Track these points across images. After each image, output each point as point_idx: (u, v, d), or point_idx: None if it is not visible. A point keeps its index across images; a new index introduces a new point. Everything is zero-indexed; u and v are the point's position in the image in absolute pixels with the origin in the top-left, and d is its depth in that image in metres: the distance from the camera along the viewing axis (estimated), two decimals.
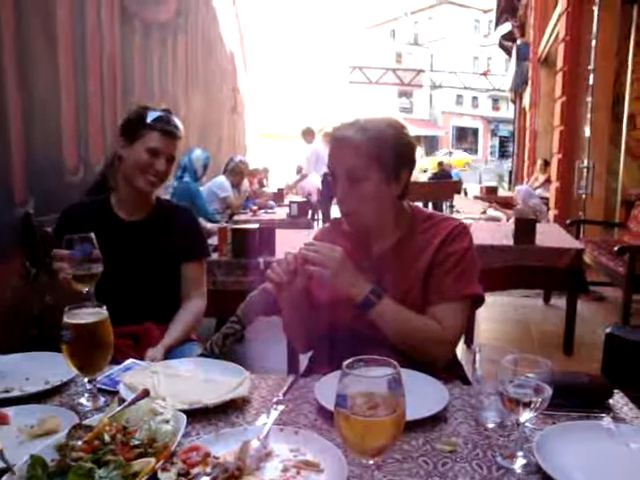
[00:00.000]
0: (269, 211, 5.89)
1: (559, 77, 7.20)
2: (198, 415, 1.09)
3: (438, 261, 1.46)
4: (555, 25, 7.99)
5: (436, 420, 1.08)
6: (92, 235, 1.43)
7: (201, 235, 2.04)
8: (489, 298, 1.61)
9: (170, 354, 1.69)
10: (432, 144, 43.36)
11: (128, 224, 1.86)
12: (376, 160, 1.39)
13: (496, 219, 6.68)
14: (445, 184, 11.23)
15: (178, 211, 2.00)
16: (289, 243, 2.22)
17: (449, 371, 1.49)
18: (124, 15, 4.15)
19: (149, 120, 1.80)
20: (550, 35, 8.76)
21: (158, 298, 1.86)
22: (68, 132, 3.20)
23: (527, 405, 0.92)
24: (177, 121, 1.87)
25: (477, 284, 1.48)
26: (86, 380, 1.19)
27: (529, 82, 12.16)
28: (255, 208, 5.74)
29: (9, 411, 1.10)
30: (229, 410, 1.13)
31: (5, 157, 2.61)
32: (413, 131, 1.54)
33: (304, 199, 6.38)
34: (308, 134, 7.70)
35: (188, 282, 1.91)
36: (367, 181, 1.40)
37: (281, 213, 5.70)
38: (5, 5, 2.56)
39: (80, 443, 0.91)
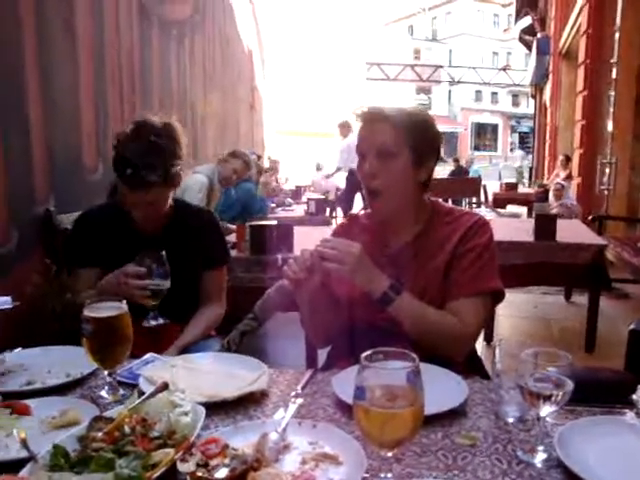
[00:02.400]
0: (287, 208, 5.91)
1: (581, 71, 7.10)
2: (217, 408, 1.10)
3: (458, 256, 1.45)
4: (577, 17, 7.88)
5: (455, 414, 1.07)
6: (163, 254, 1.51)
7: (222, 241, 2.01)
8: (509, 295, 1.59)
9: (190, 348, 1.70)
10: (451, 141, 43.06)
11: (145, 233, 1.83)
12: (409, 139, 1.41)
13: (516, 215, 6.62)
14: (464, 181, 11.13)
15: (198, 216, 1.95)
16: (307, 240, 2.21)
17: (469, 366, 1.47)
18: (142, 14, 4.19)
19: (117, 168, 1.68)
20: (571, 28, 8.64)
21: (178, 300, 1.86)
22: (87, 131, 3.24)
23: (547, 399, 0.90)
24: (149, 168, 1.64)
25: (497, 279, 1.47)
26: (106, 373, 1.20)
27: (550, 76, 12.01)
28: (273, 205, 5.76)
29: (31, 403, 1.12)
30: (247, 404, 1.13)
31: (26, 156, 2.64)
32: (432, 125, 1.54)
33: (322, 196, 6.37)
34: (345, 127, 7.68)
35: (208, 289, 1.90)
36: (398, 158, 1.41)
37: (299, 210, 5.71)
38: (27, 5, 2.60)
39: (101, 434, 0.92)
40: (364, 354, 0.80)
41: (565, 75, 10.21)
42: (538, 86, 15.15)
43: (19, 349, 1.45)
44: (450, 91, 43.94)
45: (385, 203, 1.47)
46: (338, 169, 8.04)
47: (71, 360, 1.33)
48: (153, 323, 1.52)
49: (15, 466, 0.88)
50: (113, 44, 3.64)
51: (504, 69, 34.61)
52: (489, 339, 3.62)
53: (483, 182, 10.84)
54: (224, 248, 2.02)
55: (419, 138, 1.43)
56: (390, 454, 0.82)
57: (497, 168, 26.19)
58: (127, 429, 0.93)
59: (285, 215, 5.37)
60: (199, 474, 0.82)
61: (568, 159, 8.61)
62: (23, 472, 0.85)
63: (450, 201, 10.04)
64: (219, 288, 1.94)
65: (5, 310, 1.40)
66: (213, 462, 0.86)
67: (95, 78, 3.36)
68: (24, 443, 0.91)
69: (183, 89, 5.40)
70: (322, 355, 1.72)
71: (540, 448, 0.94)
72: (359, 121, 1.48)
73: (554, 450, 0.92)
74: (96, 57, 3.38)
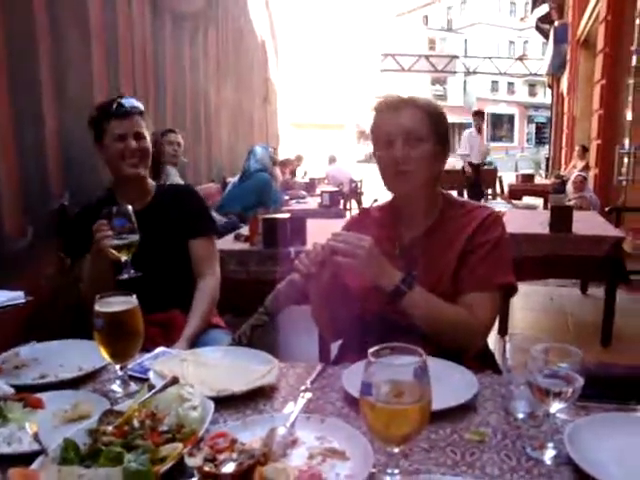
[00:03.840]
0: (301, 201, 5.91)
1: (599, 59, 6.98)
2: (226, 402, 1.10)
3: (470, 250, 1.44)
4: (596, 4, 7.73)
5: (465, 409, 1.07)
6: (129, 208, 1.57)
7: (206, 212, 2.08)
8: (524, 287, 1.58)
9: (199, 342, 1.72)
10: None
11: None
12: (434, 126, 1.45)
13: (532, 207, 6.54)
14: (480, 172, 11.01)
15: (180, 192, 2.05)
16: (320, 233, 2.20)
17: (480, 360, 1.46)
18: (155, 7, 4.19)
19: (102, 113, 1.87)
20: (590, 15, 8.49)
21: (179, 284, 1.89)
22: None
23: (557, 395, 0.89)
24: (131, 100, 1.90)
25: (510, 273, 1.46)
26: (118, 367, 1.21)
27: (567, 65, 11.83)
28: (287, 198, 5.76)
29: (44, 396, 1.14)
30: (256, 398, 1.14)
31: (41, 151, 2.67)
32: (448, 118, 1.57)
33: (336, 189, 6.36)
34: (479, 116, 8.11)
35: (198, 260, 1.94)
36: (425, 144, 1.43)
37: (313, 203, 5.71)
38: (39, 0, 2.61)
39: (111, 428, 0.93)
40: (371, 349, 0.80)
41: (583, 64, 10.04)
42: (555, 75, 14.93)
43: (33, 343, 1.47)
44: (465, 81, 43.49)
45: (412, 183, 1.47)
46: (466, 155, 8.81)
47: (84, 354, 1.34)
48: (126, 276, 1.56)
49: (27, 458, 0.89)
50: (126, 37, 3.65)
51: (520, 59, 34.22)
52: (503, 332, 3.59)
53: (499, 173, 10.74)
54: (209, 217, 2.08)
55: (442, 127, 1.48)
56: (397, 450, 0.82)
57: (513, 159, 25.90)
58: (136, 423, 0.93)
59: (299, 208, 5.37)
60: (207, 469, 0.82)
61: (585, 149, 8.49)
62: (34, 465, 0.86)
63: (465, 193, 9.97)
64: (210, 258, 1.98)
65: (18, 305, 1.41)
66: (221, 457, 0.86)
67: (108, 72, 3.37)
68: (36, 436, 0.93)
69: (196, 82, 5.40)
70: (334, 349, 1.72)
71: (550, 445, 0.93)
72: (380, 109, 1.48)
73: (564, 447, 0.91)
74: (109, 51, 3.39)
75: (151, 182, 1.99)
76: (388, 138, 1.44)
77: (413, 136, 1.42)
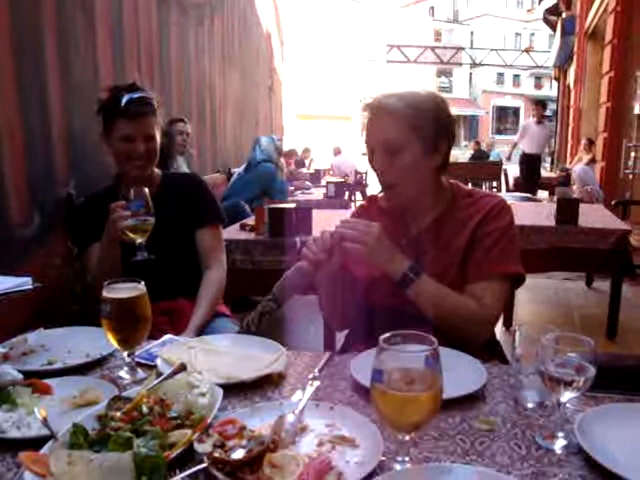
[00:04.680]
0: (306, 192, 5.90)
1: (607, 51, 6.93)
2: (234, 390, 1.10)
3: (478, 238, 1.43)
4: None
5: (474, 399, 1.06)
6: (146, 190, 1.58)
7: (213, 201, 2.05)
8: (529, 280, 1.57)
9: (205, 330, 1.72)
10: (472, 124, 42.50)
11: None
12: (415, 130, 1.37)
13: (537, 200, 6.52)
14: (484, 165, 11.00)
15: (186, 180, 2.04)
16: (326, 223, 2.20)
17: (488, 350, 1.46)
18: None
19: (111, 106, 1.81)
20: (599, 6, 8.41)
21: (185, 273, 1.89)
22: None
23: (569, 385, 0.89)
24: (145, 95, 1.83)
25: (518, 262, 1.45)
26: (125, 354, 1.21)
27: (574, 58, 11.75)
28: (292, 189, 5.75)
29: (52, 382, 1.14)
30: (265, 385, 1.14)
31: (46, 139, 2.66)
32: (453, 111, 1.52)
33: (341, 180, 6.35)
34: (539, 108, 8.11)
35: (205, 249, 1.93)
36: (406, 152, 1.38)
37: (318, 194, 5.70)
38: None
39: (119, 414, 0.93)
40: (383, 336, 0.79)
41: (590, 56, 9.97)
42: (562, 68, 14.84)
43: (40, 329, 1.46)
44: (471, 73, 43.25)
45: (400, 195, 1.47)
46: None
47: (91, 341, 1.35)
48: (140, 257, 1.57)
49: (36, 443, 0.89)
50: (132, 26, 3.63)
51: (527, 51, 34.01)
52: (508, 324, 3.59)
53: (504, 166, 10.70)
54: (215, 207, 2.05)
55: (429, 124, 1.39)
56: (407, 437, 0.81)
57: (518, 152, 25.77)
58: (145, 409, 0.93)
59: (304, 198, 5.37)
60: (216, 455, 0.82)
61: (591, 142, 8.44)
62: (44, 450, 0.86)
63: (470, 185, 9.93)
64: (216, 248, 1.97)
65: (26, 291, 1.41)
66: (230, 443, 0.86)
67: (114, 61, 3.35)
68: (45, 421, 0.92)
69: (202, 72, 5.38)
70: (340, 338, 1.72)
71: (560, 434, 0.92)
72: (365, 112, 1.45)
73: (574, 437, 0.90)
74: (115, 39, 3.37)
75: (157, 171, 1.97)
76: (371, 147, 1.43)
77: (391, 146, 1.39)
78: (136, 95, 1.80)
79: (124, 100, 1.77)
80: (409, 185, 1.43)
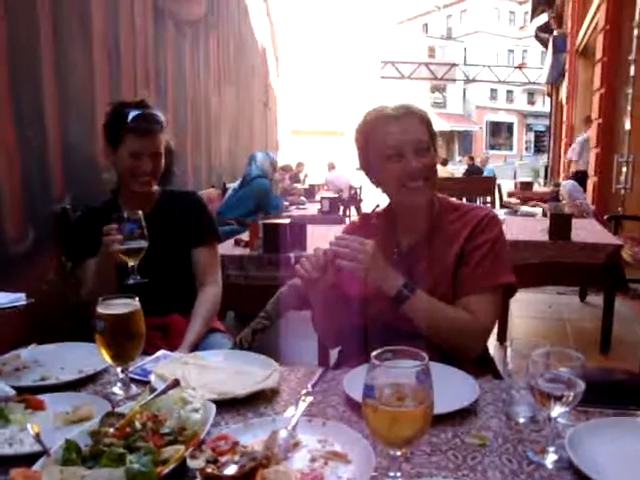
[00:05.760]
0: (300, 207, 5.92)
1: (598, 68, 7.02)
2: (227, 405, 1.10)
3: (467, 251, 1.45)
4: (595, 14, 7.78)
5: (466, 414, 1.07)
6: (140, 213, 1.58)
7: (210, 219, 2.06)
8: (523, 295, 1.59)
9: (200, 346, 1.72)
10: (466, 140, 42.78)
11: None
12: (431, 134, 1.47)
13: (531, 214, 6.56)
14: (479, 180, 11.06)
15: (184, 198, 2.03)
16: (320, 238, 2.22)
17: (480, 365, 1.47)
18: (157, 14, 4.21)
19: (120, 121, 1.81)
20: (589, 25, 8.54)
21: (179, 289, 1.89)
22: (102, 130, 3.27)
23: (559, 399, 0.90)
24: (154, 113, 1.84)
25: (510, 272, 1.47)
26: (119, 370, 1.21)
27: (566, 74, 11.89)
28: (287, 204, 5.77)
29: (46, 398, 1.14)
30: (258, 401, 1.14)
31: (43, 154, 2.67)
32: (446, 126, 1.57)
33: (336, 195, 6.37)
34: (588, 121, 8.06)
35: (201, 268, 1.93)
36: (430, 151, 1.45)
37: (312, 209, 5.72)
38: (44, 3, 2.62)
39: (112, 430, 0.93)
40: (374, 353, 0.80)
41: (582, 73, 10.10)
42: (554, 84, 15.00)
43: (33, 345, 1.46)
44: (465, 89, 43.67)
45: (429, 193, 1.49)
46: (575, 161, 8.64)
47: (84, 357, 1.35)
48: (132, 282, 1.57)
49: (29, 459, 0.89)
50: (128, 43, 3.66)
51: (520, 67, 34.38)
52: (502, 339, 3.59)
53: (498, 181, 10.76)
54: (212, 225, 2.06)
55: (434, 133, 1.49)
56: (399, 453, 0.82)
57: (512, 167, 25.97)
58: (138, 425, 0.93)
59: (299, 213, 5.38)
60: (209, 470, 0.82)
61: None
62: (36, 466, 0.86)
63: (464, 201, 9.96)
64: (212, 266, 1.97)
65: (19, 307, 1.41)
66: (223, 459, 0.86)
67: (110, 77, 3.38)
68: (37, 438, 0.92)
69: (197, 88, 5.42)
70: (334, 354, 1.72)
71: (551, 449, 0.93)
72: (380, 120, 1.45)
73: (565, 451, 0.91)
74: (111, 56, 3.40)
75: (155, 187, 1.97)
76: (397, 151, 1.43)
77: (421, 145, 1.43)
78: (145, 112, 1.81)
79: (132, 116, 1.78)
80: (434, 182, 1.48)
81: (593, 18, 8.01)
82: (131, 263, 1.57)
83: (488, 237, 1.45)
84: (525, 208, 8.32)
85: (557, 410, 0.91)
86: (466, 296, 1.42)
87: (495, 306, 1.44)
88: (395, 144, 1.43)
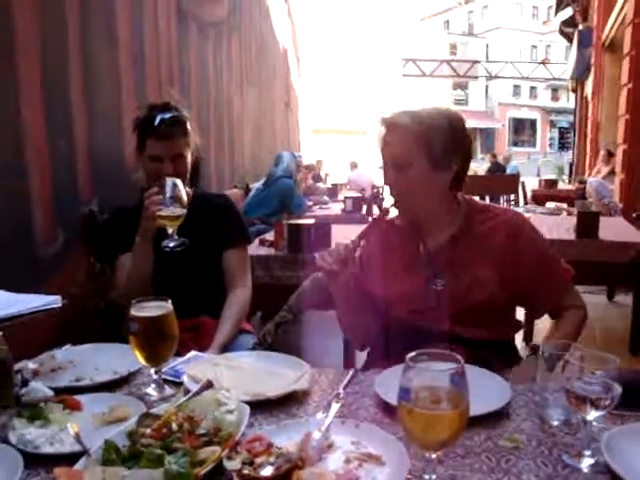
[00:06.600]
0: (323, 207, 5.92)
1: (626, 62, 6.88)
2: (260, 407, 1.11)
3: (520, 264, 1.46)
4: (622, 7, 7.62)
5: (498, 417, 1.06)
6: (179, 181, 1.61)
7: (240, 222, 2.07)
8: None
9: (229, 347, 1.73)
10: (488, 137, 42.34)
11: None
12: (425, 147, 1.40)
13: (556, 213, 6.46)
14: (502, 178, 10.95)
15: (217, 202, 2.05)
16: (344, 238, 2.22)
17: (510, 366, 1.46)
18: (180, 16, 4.25)
19: (143, 125, 1.85)
20: (616, 18, 8.36)
21: (210, 291, 1.90)
22: (128, 133, 3.31)
23: (595, 403, 0.89)
24: (175, 115, 1.84)
25: (565, 266, 1.56)
26: (152, 371, 1.23)
27: (591, 69, 11.68)
28: (310, 204, 5.78)
29: (82, 399, 1.16)
30: (290, 403, 1.15)
31: (71, 157, 2.72)
32: (469, 123, 1.54)
33: (359, 194, 6.37)
34: None
35: (231, 270, 1.94)
36: (414, 168, 1.41)
37: (335, 209, 5.72)
38: (71, 8, 2.67)
39: (149, 430, 0.94)
40: (409, 355, 0.80)
41: (608, 68, 9.90)
42: (579, 80, 14.75)
43: (68, 346, 1.49)
44: (487, 86, 43.19)
45: (407, 210, 1.50)
46: None
47: (117, 357, 1.37)
48: (172, 244, 1.61)
49: (69, 459, 0.91)
50: (152, 46, 3.71)
51: (543, 63, 33.89)
52: (529, 339, 3.55)
53: (521, 178, 10.63)
54: (243, 228, 2.08)
55: (440, 141, 1.40)
56: (434, 455, 0.82)
57: (535, 164, 25.62)
58: (175, 426, 0.95)
59: (322, 213, 5.38)
60: (245, 472, 0.84)
61: (610, 154, 8.33)
62: (77, 465, 0.88)
63: (488, 199, 9.88)
64: (242, 269, 1.98)
65: (55, 309, 1.44)
66: (258, 460, 0.87)
67: (135, 81, 3.42)
68: (77, 437, 0.95)
69: (220, 89, 5.46)
70: (359, 355, 1.72)
71: (587, 453, 0.92)
72: (380, 127, 1.47)
73: (601, 455, 0.90)
74: (136, 59, 3.44)
75: (187, 190, 1.97)
76: (383, 160, 1.46)
77: (399, 161, 1.42)
78: (168, 115, 1.82)
79: (157, 120, 1.80)
80: (416, 200, 1.46)
81: (621, 11, 7.85)
82: (170, 230, 1.60)
83: (533, 243, 1.51)
84: (550, 206, 8.21)
85: (593, 414, 0.90)
86: (560, 300, 1.52)
87: (576, 290, 1.57)
88: (381, 152, 1.46)
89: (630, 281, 3.57)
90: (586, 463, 0.91)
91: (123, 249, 1.86)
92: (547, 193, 9.20)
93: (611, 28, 9.13)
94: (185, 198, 1.62)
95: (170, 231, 1.61)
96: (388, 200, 1.51)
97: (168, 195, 1.60)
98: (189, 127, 1.90)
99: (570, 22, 14.89)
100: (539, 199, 8.77)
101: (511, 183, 10.37)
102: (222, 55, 5.54)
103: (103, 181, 2.98)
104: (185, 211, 1.61)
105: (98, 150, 2.95)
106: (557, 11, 15.75)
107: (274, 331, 1.79)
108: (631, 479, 0.84)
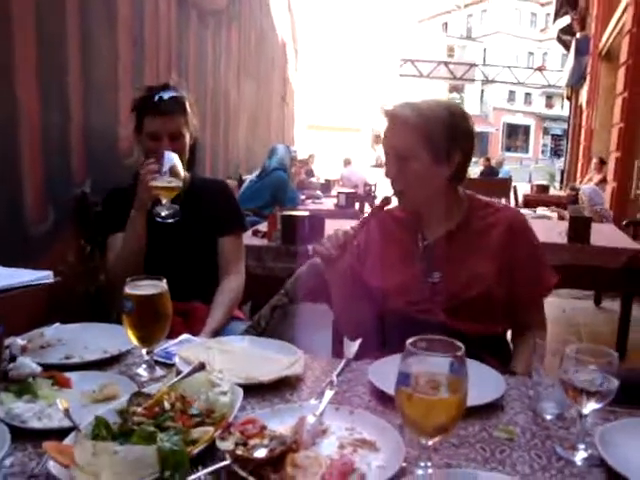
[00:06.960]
0: (316, 201, 5.91)
1: (621, 71, 6.94)
2: (253, 391, 1.10)
3: (515, 263, 1.46)
4: (620, 16, 7.68)
5: (492, 408, 1.06)
6: (175, 156, 1.61)
7: (237, 209, 2.06)
8: None
9: (221, 333, 1.72)
10: (482, 141, 42.50)
11: None
12: (425, 139, 1.39)
13: (546, 217, 6.49)
14: (495, 181, 10.99)
15: (212, 186, 2.03)
16: None
17: (501, 360, 1.46)
18: (180, 1, 4.21)
19: (141, 103, 1.83)
20: (614, 27, 8.43)
21: (203, 276, 1.89)
22: (124, 116, 3.27)
23: (592, 395, 0.89)
24: (173, 94, 1.82)
25: (553, 273, 1.56)
26: (144, 351, 1.21)
27: (587, 78, 11.76)
28: (303, 198, 5.77)
29: (72, 376, 1.14)
30: (283, 388, 1.14)
31: (66, 139, 2.69)
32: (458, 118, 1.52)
33: (352, 190, 6.37)
34: None
35: (225, 257, 1.93)
36: (415, 160, 1.40)
37: (328, 204, 5.71)
38: None
39: (141, 409, 0.93)
40: (409, 341, 0.79)
41: (604, 77, 9.97)
42: (574, 87, 14.84)
43: (57, 324, 1.47)
44: (483, 90, 43.35)
45: (408, 202, 1.50)
46: None
47: (107, 337, 1.35)
48: (163, 213, 1.61)
49: (57, 434, 0.89)
50: (152, 29, 3.67)
51: (539, 69, 34.10)
52: None
53: (513, 183, 10.68)
54: (240, 215, 2.06)
55: (441, 134, 1.40)
56: (430, 442, 0.81)
57: (527, 170, 25.76)
58: (167, 405, 0.94)
59: (315, 207, 5.38)
60: (239, 452, 0.82)
61: (602, 162, 8.39)
62: (67, 440, 0.86)
63: None
64: (237, 256, 1.97)
65: (46, 284, 1.42)
66: (251, 442, 0.86)
67: (133, 65, 3.39)
68: (67, 413, 0.93)
69: (217, 79, 5.43)
70: (347, 350, 1.71)
71: (581, 446, 0.92)
72: (384, 119, 1.46)
73: (595, 449, 0.90)
74: (135, 42, 3.41)
75: (185, 173, 1.95)
76: (385, 152, 1.46)
77: (402, 155, 1.41)
78: (167, 94, 1.81)
79: (156, 98, 1.79)
80: (417, 192, 1.45)
81: (619, 20, 7.91)
82: (164, 200, 1.60)
83: (530, 246, 1.51)
84: (541, 211, 8.26)
85: (589, 407, 0.90)
86: (526, 310, 1.51)
87: (543, 306, 1.56)
88: (383, 144, 1.46)
89: (620, 286, 3.59)
90: (580, 456, 0.91)
91: (114, 229, 1.83)
92: (539, 198, 9.25)
93: (608, 37, 9.20)
94: (182, 172, 1.61)
95: (164, 201, 1.60)
96: (389, 190, 1.50)
97: (165, 167, 1.59)
98: (188, 107, 1.87)
99: (568, 30, 14.98)
100: (531, 204, 8.81)
101: (503, 187, 10.41)
102: (221, 45, 5.51)
103: (97, 163, 2.95)
104: (181, 184, 1.60)
105: (93, 132, 2.92)
106: (555, 19, 15.83)
107: (270, 314, 1.77)
108: (625, 472, 0.83)
